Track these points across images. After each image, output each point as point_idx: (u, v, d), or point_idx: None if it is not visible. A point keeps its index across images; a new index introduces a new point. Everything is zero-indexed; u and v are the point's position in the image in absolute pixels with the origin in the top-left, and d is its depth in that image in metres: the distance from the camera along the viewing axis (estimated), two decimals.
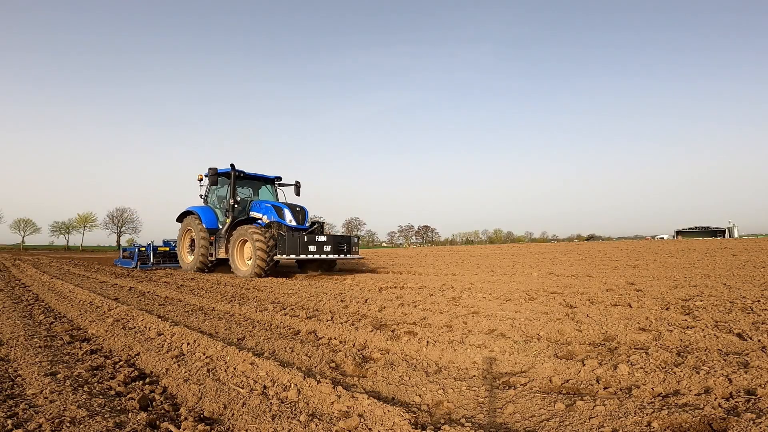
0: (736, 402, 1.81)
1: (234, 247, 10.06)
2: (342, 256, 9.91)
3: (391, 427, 1.74)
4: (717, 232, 76.21)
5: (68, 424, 1.81)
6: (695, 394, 1.94)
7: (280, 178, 12.37)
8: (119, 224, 78.67)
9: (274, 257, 9.35)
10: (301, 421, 1.85)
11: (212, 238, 10.99)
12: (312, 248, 9.40)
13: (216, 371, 2.56)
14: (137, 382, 2.45)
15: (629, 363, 2.38)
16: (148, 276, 10.53)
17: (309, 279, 9.04)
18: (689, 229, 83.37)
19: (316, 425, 1.81)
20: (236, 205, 10.89)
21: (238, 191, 11.54)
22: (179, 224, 12.37)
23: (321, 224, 11.19)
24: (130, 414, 1.94)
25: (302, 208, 10.77)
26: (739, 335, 2.83)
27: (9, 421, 1.83)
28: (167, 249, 13.65)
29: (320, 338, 3.49)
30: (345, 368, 2.66)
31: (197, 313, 4.80)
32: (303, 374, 2.30)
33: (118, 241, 78.82)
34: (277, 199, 11.94)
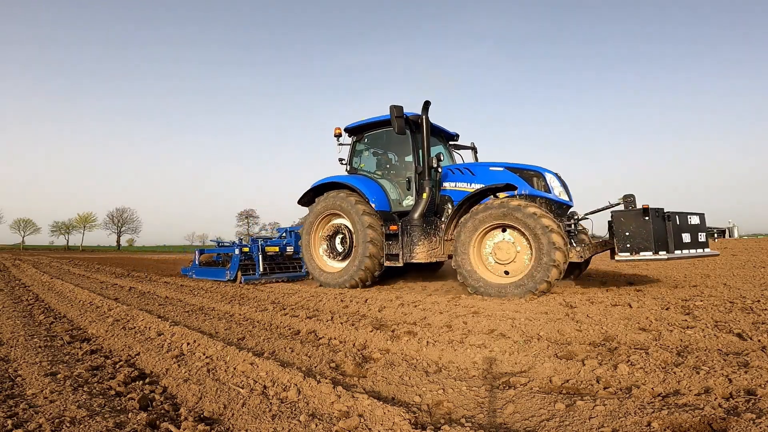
0: (736, 402, 1.81)
1: (470, 242, 5.53)
2: (703, 251, 5.52)
3: (391, 427, 1.74)
4: (717, 232, 76.04)
5: (68, 424, 1.81)
6: (695, 394, 1.93)
7: (458, 136, 8.26)
8: (119, 224, 78.81)
9: (622, 257, 5.07)
10: (301, 421, 1.85)
11: (394, 228, 6.48)
12: (686, 238, 5.30)
13: (216, 371, 2.56)
14: (137, 382, 2.45)
15: (629, 363, 2.38)
16: (148, 276, 10.53)
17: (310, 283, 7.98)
18: None
19: (316, 425, 1.81)
20: (437, 169, 6.57)
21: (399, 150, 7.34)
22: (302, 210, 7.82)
23: (635, 196, 5.94)
24: (130, 414, 1.94)
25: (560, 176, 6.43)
26: (739, 335, 2.83)
27: (9, 421, 1.83)
28: (276, 249, 8.85)
29: (320, 338, 3.49)
30: (345, 368, 2.66)
31: (197, 313, 4.80)
32: (303, 374, 2.30)
33: (118, 241, 78.93)
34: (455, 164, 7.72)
